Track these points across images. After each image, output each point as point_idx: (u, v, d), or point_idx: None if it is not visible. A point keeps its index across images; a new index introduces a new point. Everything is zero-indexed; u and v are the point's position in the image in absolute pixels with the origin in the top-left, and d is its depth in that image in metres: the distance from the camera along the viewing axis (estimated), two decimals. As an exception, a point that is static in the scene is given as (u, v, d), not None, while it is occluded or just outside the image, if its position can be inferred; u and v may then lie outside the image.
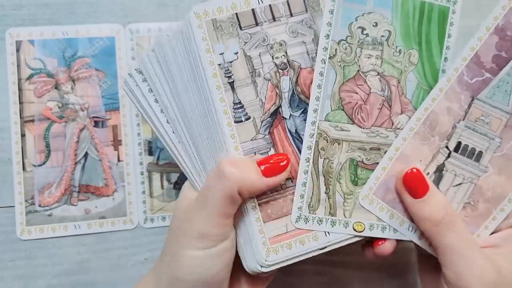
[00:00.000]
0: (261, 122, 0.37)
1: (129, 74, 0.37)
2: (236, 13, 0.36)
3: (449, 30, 0.38)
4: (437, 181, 0.37)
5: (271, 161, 0.35)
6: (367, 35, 0.37)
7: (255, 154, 0.36)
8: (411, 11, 0.38)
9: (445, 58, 0.38)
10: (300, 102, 0.37)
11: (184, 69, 0.36)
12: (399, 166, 0.37)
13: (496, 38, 0.36)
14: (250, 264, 0.36)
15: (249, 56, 0.37)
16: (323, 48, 0.37)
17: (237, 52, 0.36)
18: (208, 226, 0.34)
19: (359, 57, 0.37)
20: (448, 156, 0.37)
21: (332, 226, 0.37)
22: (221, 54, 0.36)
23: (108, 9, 0.49)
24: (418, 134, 0.37)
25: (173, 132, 0.37)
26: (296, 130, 0.37)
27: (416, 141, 0.37)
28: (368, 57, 0.37)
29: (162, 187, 0.49)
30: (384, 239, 0.37)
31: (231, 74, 0.36)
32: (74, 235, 0.48)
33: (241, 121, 0.36)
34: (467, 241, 0.35)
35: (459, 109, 0.37)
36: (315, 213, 0.37)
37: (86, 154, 0.48)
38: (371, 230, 0.37)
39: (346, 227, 0.37)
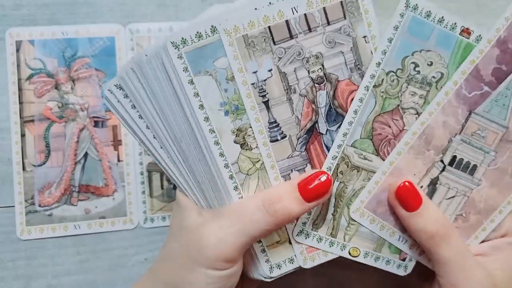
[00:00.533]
0: (297, 139, 0.36)
1: (109, 90, 0.36)
2: (269, 27, 0.34)
3: None
4: (431, 194, 0.37)
5: (313, 185, 0.34)
6: (418, 72, 0.36)
7: (292, 171, 0.36)
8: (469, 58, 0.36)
9: None
10: (337, 116, 0.37)
11: (167, 90, 0.34)
12: (392, 180, 0.37)
13: (497, 50, 0.36)
14: (254, 274, 0.38)
15: (284, 72, 0.35)
16: (370, 75, 0.36)
17: (271, 69, 0.35)
18: (236, 252, 0.33)
19: (403, 92, 0.36)
20: (443, 169, 0.37)
21: (330, 246, 0.37)
22: (254, 72, 0.35)
23: (108, 9, 0.49)
24: (413, 148, 0.36)
25: (161, 148, 0.36)
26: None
27: (411, 155, 0.37)
28: (412, 95, 0.36)
29: (162, 187, 0.49)
30: None
31: (265, 93, 0.35)
32: (74, 235, 0.48)
33: (277, 140, 0.36)
34: (462, 252, 0.35)
35: (455, 123, 0.36)
36: (317, 231, 0.37)
37: (86, 154, 0.48)
38: (365, 258, 0.38)
39: (342, 250, 0.37)
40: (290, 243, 0.37)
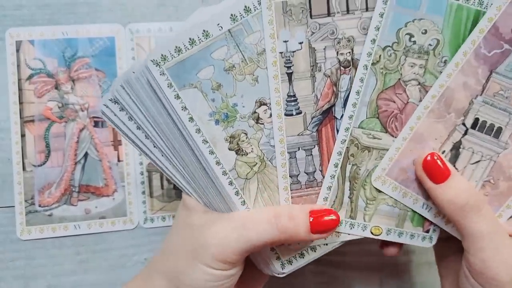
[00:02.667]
0: (312, 119, 0.36)
1: (104, 105, 0.36)
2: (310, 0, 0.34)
3: None
4: (454, 159, 0.36)
5: (322, 216, 0.34)
6: (414, 42, 0.35)
7: (299, 149, 0.36)
8: (463, 19, 0.36)
9: None
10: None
11: (158, 105, 0.34)
12: (413, 145, 0.36)
13: None
14: (266, 270, 0.38)
15: (314, 48, 0.35)
16: (367, 54, 0.35)
17: (302, 42, 0.35)
18: (235, 256, 0.34)
19: (402, 65, 0.36)
20: (465, 133, 0.36)
21: (351, 228, 0.37)
22: (285, 41, 0.34)
23: (108, 9, 0.49)
24: (433, 111, 0.35)
25: (162, 156, 0.36)
26: None
27: (431, 119, 0.35)
28: (412, 66, 0.36)
29: (162, 187, 0.49)
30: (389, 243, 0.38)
31: (291, 65, 0.35)
32: (74, 235, 0.48)
33: (292, 114, 0.35)
34: (494, 227, 0.34)
35: (476, 84, 0.35)
36: None
37: (86, 154, 0.48)
38: (387, 235, 0.37)
39: (364, 230, 0.37)
40: None
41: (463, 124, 0.36)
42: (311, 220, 0.34)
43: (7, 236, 0.47)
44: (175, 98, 0.33)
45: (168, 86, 0.33)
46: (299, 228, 0.34)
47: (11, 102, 0.48)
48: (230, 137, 0.35)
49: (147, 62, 0.33)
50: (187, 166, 0.35)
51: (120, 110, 0.35)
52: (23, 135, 0.48)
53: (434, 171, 0.34)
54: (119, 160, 0.49)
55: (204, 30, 0.33)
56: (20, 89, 0.48)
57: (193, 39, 0.33)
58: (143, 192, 0.49)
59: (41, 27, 0.48)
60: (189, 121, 0.34)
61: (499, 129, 0.36)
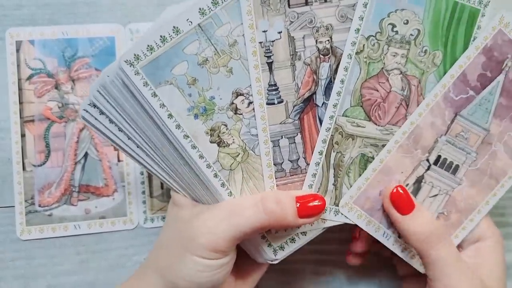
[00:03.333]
0: (293, 107, 0.36)
1: (84, 110, 0.36)
2: None
3: (475, 33, 0.38)
4: (416, 192, 0.38)
5: (309, 202, 0.35)
6: (396, 32, 0.37)
7: (282, 137, 0.37)
8: (443, 10, 0.37)
9: None
10: None
11: (136, 105, 0.35)
12: (381, 177, 0.38)
13: (483, 57, 0.37)
14: (259, 259, 0.38)
15: (293, 37, 0.36)
16: (351, 43, 0.36)
17: (281, 32, 0.35)
18: (224, 243, 0.34)
19: (385, 54, 0.37)
20: (428, 168, 0.38)
21: (335, 215, 0.38)
22: (264, 31, 0.35)
23: (108, 9, 0.49)
24: (402, 147, 0.38)
25: (147, 156, 0.36)
26: None
27: (399, 154, 0.38)
28: (394, 55, 0.37)
29: (162, 187, 0.49)
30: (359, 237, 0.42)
31: (271, 54, 0.35)
32: (74, 235, 0.48)
33: (274, 103, 0.36)
34: (456, 254, 0.37)
35: (442, 124, 0.38)
36: None
37: (86, 154, 0.48)
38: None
39: (347, 218, 0.38)
40: None
41: (427, 160, 0.38)
42: (297, 205, 0.35)
43: (7, 236, 0.47)
44: (152, 96, 0.34)
45: (144, 85, 0.33)
46: (287, 212, 0.34)
47: (11, 102, 0.48)
48: (210, 130, 0.35)
49: (120, 63, 0.33)
50: (171, 164, 0.36)
51: (100, 114, 0.36)
52: (23, 135, 0.48)
53: (400, 203, 0.37)
54: (119, 160, 0.49)
55: (174, 27, 0.34)
56: (20, 89, 0.48)
57: (164, 36, 0.34)
58: (143, 192, 0.49)
59: (41, 27, 0.48)
60: (168, 117, 0.34)
61: (457, 167, 0.38)
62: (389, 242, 0.39)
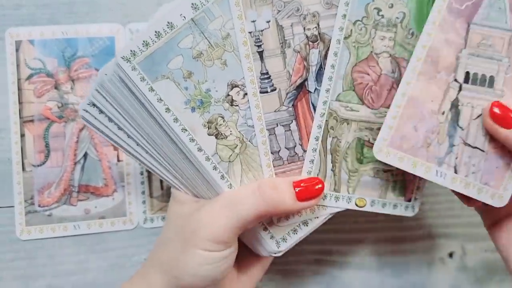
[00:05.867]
0: (286, 94, 0.37)
1: (84, 110, 0.36)
2: None
3: None
4: (456, 117, 0.35)
5: (307, 185, 0.35)
6: (382, 16, 0.37)
7: (277, 125, 0.37)
8: None
9: None
10: None
11: (133, 102, 0.35)
12: (410, 111, 0.35)
13: None
14: (263, 252, 0.38)
15: (281, 25, 0.36)
16: (339, 28, 0.36)
17: (269, 21, 0.36)
18: (226, 234, 0.34)
19: (373, 38, 0.37)
20: (460, 89, 0.35)
21: (336, 201, 0.38)
22: (253, 21, 0.36)
23: (108, 9, 0.49)
24: (422, 74, 0.35)
25: (147, 153, 0.37)
26: None
27: (422, 82, 0.35)
28: (382, 39, 0.37)
29: (161, 187, 0.49)
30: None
31: (261, 43, 0.36)
32: (74, 235, 0.48)
33: (267, 91, 0.36)
34: None
35: (457, 38, 0.35)
36: None
37: (85, 154, 0.48)
38: (372, 206, 0.38)
39: (348, 202, 0.38)
40: None
41: (455, 80, 0.35)
42: (296, 190, 0.35)
43: (7, 236, 0.47)
44: (149, 91, 0.34)
45: (141, 80, 0.34)
46: (285, 196, 0.34)
47: (10, 102, 0.48)
48: (207, 123, 0.36)
49: (117, 59, 0.34)
50: (170, 159, 0.36)
51: (99, 113, 0.36)
52: (22, 135, 0.48)
53: (504, 115, 0.33)
54: (118, 160, 0.49)
55: (168, 22, 0.34)
56: (19, 89, 0.48)
57: (158, 31, 0.34)
58: (143, 192, 0.49)
59: (41, 26, 0.48)
60: (165, 112, 0.35)
61: (492, 78, 0.35)
62: (447, 180, 0.35)
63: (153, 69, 0.35)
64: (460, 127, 0.36)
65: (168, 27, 0.34)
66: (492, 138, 0.35)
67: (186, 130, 0.35)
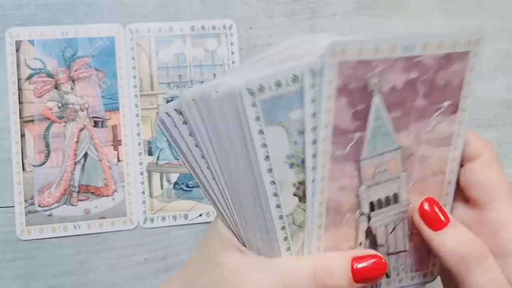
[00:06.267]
0: None
1: (166, 113, 0.33)
2: None
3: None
4: (373, 241, 0.35)
5: (367, 265, 0.32)
6: None
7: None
8: None
9: None
10: None
11: (233, 132, 0.32)
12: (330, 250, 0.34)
13: (344, 98, 0.32)
14: None
15: None
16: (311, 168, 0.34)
17: None
18: None
19: None
20: (369, 219, 0.35)
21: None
22: None
23: (108, 9, 0.49)
24: (329, 225, 0.34)
25: (213, 179, 0.34)
26: None
27: (331, 232, 0.34)
28: None
29: (162, 187, 0.49)
30: None
31: None
32: (74, 235, 0.48)
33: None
34: (500, 280, 0.31)
35: (351, 180, 0.33)
36: None
37: (86, 154, 0.48)
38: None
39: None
40: None
41: (362, 214, 0.34)
42: (354, 267, 0.32)
43: (7, 236, 0.47)
44: (258, 133, 0.31)
45: (255, 119, 0.31)
46: (339, 284, 0.31)
47: (11, 102, 0.48)
48: (299, 183, 0.33)
49: (242, 90, 0.30)
50: (240, 201, 0.34)
51: (183, 123, 0.33)
52: (22, 135, 0.48)
53: (431, 215, 0.33)
54: (119, 160, 0.49)
55: (311, 70, 0.31)
56: (19, 89, 0.48)
57: (296, 75, 0.31)
58: (143, 192, 0.49)
59: (41, 27, 0.48)
60: (264, 159, 0.32)
61: (395, 195, 0.35)
62: (382, 286, 0.36)
63: (273, 112, 0.31)
64: (380, 245, 0.35)
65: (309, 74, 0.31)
66: (412, 234, 0.35)
67: (274, 183, 0.32)
